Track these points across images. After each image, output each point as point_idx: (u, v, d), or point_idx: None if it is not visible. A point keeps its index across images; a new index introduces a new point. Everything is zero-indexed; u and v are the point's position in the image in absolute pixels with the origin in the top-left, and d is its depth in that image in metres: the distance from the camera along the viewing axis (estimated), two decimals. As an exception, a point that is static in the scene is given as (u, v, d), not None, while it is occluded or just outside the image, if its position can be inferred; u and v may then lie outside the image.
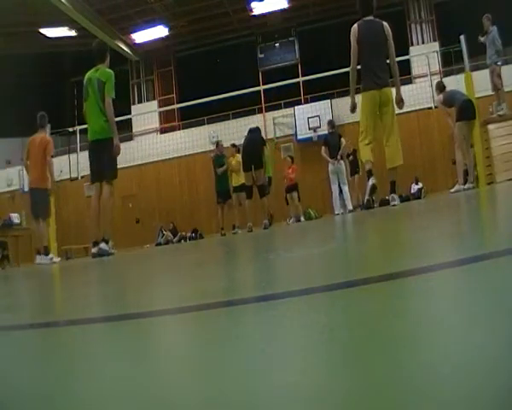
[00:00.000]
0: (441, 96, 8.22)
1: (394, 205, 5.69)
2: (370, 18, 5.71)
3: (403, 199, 14.48)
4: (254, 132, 9.32)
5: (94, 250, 5.51)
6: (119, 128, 6.05)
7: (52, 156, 7.47)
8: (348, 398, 0.39)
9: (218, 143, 11.95)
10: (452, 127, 8.10)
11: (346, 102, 15.03)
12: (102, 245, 5.38)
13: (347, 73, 6.03)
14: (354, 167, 12.29)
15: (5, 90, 18.72)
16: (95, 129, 5.61)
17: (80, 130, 13.70)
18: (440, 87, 8.42)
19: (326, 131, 16.90)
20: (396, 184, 5.79)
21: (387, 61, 5.75)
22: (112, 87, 5.53)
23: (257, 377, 0.48)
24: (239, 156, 11.25)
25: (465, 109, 7.78)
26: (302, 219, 12.01)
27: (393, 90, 5.86)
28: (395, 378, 0.41)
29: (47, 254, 7.38)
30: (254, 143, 8.97)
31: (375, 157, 5.73)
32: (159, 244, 15.59)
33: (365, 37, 5.58)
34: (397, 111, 5.91)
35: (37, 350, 0.85)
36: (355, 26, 5.69)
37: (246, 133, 9.50)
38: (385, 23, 5.70)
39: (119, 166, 5.82)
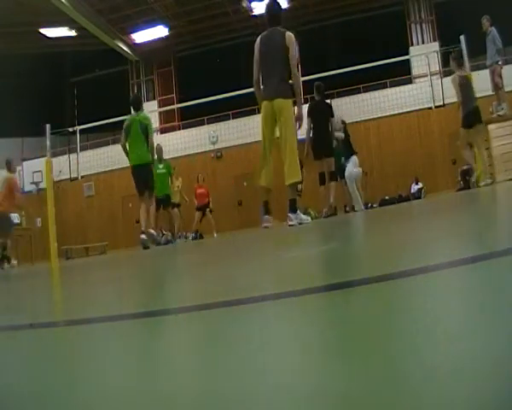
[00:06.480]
0: (458, 78, 7.83)
1: (292, 225, 4.95)
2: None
3: (403, 199, 14.50)
4: (323, 112, 8.05)
5: (142, 236, 7.56)
6: (119, 128, 6.20)
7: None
8: (347, 398, 0.39)
9: None
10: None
11: (345, 102, 15.07)
12: (143, 236, 7.52)
13: (347, 73, 6.21)
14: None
15: (5, 90, 18.72)
16: (137, 156, 7.35)
17: (80, 130, 13.70)
18: (460, 61, 8.08)
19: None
20: (296, 202, 5.24)
21: None
22: (152, 129, 7.63)
23: (256, 377, 0.48)
24: None
25: (468, 118, 7.76)
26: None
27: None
28: (395, 378, 0.41)
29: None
30: (324, 129, 7.95)
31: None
32: (158, 244, 15.56)
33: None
34: (397, 111, 5.97)
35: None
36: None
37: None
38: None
39: (118, 166, 5.96)
